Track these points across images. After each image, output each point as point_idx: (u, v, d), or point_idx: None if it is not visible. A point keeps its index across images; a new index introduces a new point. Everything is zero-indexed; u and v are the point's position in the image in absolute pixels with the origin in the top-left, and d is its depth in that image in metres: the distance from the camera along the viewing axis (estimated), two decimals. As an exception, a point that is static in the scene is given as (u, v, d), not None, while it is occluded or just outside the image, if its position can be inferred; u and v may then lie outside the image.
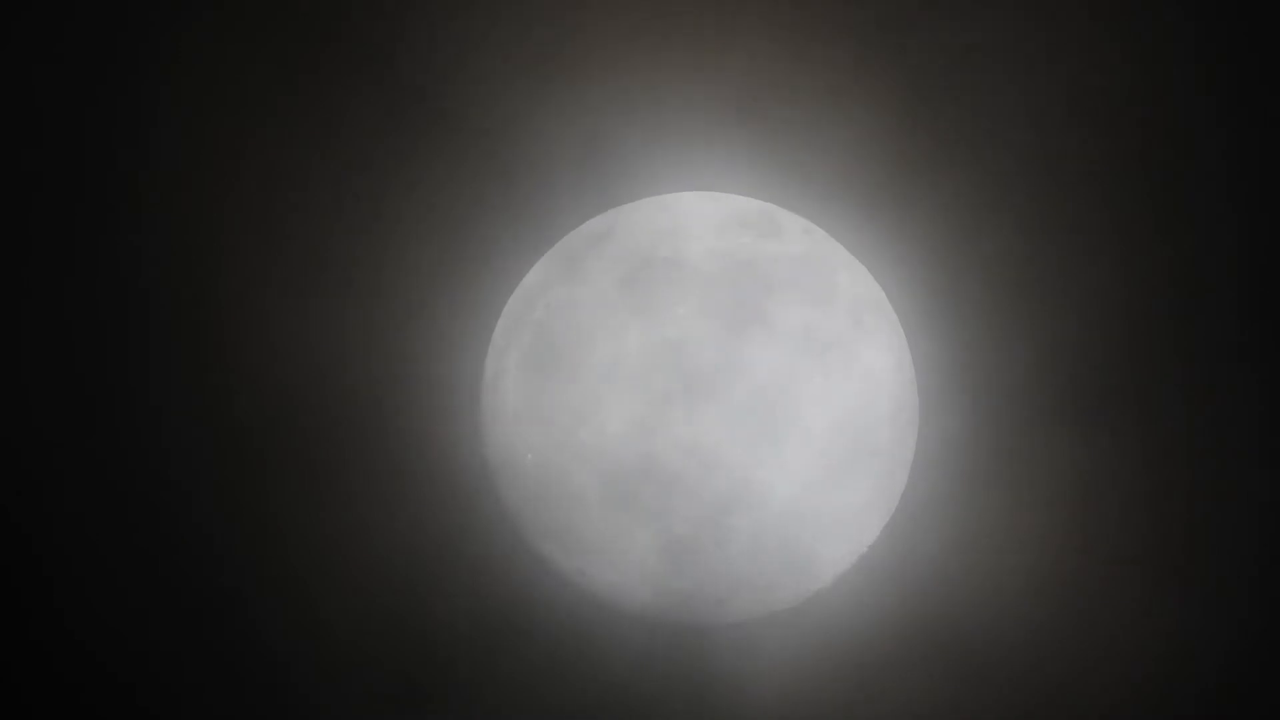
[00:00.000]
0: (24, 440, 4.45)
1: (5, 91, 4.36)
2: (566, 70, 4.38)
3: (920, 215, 4.34)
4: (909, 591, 4.43)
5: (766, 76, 4.35)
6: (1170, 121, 4.31)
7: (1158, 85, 4.30)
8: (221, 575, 4.47)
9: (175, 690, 4.46)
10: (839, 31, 4.32)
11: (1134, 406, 4.39)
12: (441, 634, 4.44)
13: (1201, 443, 4.39)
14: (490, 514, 4.30)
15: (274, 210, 4.42)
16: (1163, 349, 4.37)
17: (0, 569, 4.45)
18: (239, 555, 4.46)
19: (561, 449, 3.93)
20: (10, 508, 4.45)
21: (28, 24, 4.35)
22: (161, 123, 4.38)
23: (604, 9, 4.35)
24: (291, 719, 4.48)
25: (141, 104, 4.38)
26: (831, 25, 4.32)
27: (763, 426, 3.85)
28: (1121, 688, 4.39)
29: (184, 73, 4.37)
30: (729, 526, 3.90)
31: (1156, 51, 4.31)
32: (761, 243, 4.07)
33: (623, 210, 4.27)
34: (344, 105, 4.33)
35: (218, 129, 4.37)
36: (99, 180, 4.41)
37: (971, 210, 4.36)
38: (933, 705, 4.42)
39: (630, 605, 4.16)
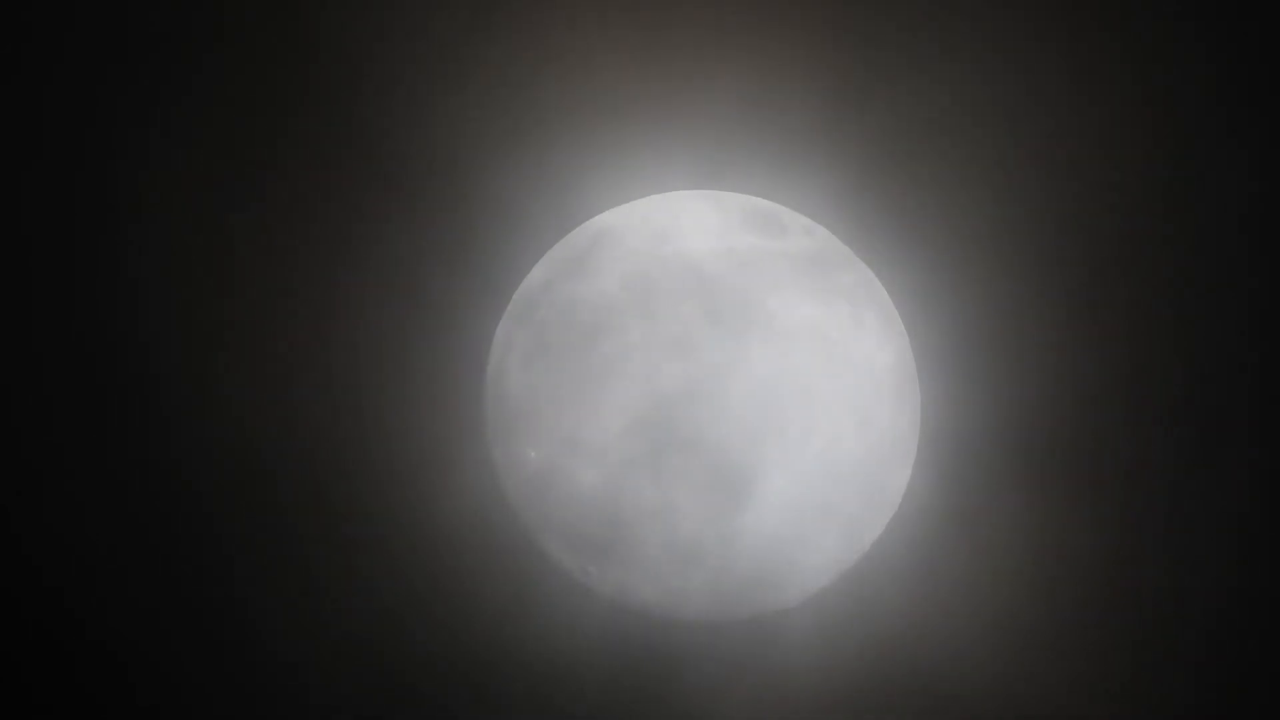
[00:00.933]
0: (35, 442, 4.46)
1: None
2: (565, 69, 4.39)
3: (920, 212, 4.36)
4: (906, 594, 4.44)
5: (771, 76, 4.36)
6: (1173, 166, 4.34)
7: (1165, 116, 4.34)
8: (222, 575, 4.46)
9: (178, 688, 4.45)
10: (845, 31, 4.33)
11: (1098, 468, 4.42)
12: (443, 633, 4.44)
13: (1163, 505, 4.42)
14: (494, 512, 4.30)
15: (289, 218, 4.44)
16: (1134, 412, 4.41)
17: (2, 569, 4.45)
18: (241, 555, 4.45)
19: (565, 447, 3.93)
20: (13, 508, 4.45)
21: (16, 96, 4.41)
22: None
23: (607, 8, 4.37)
24: (290, 718, 4.47)
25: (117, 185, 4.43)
26: (837, 26, 4.33)
27: (765, 424, 3.86)
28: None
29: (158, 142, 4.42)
30: (732, 524, 3.91)
31: (1163, 62, 4.33)
32: (764, 241, 4.08)
33: (625, 209, 4.28)
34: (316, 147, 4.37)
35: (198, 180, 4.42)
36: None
37: (978, 211, 4.37)
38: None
39: (635, 603, 4.16)
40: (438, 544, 4.40)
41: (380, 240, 4.40)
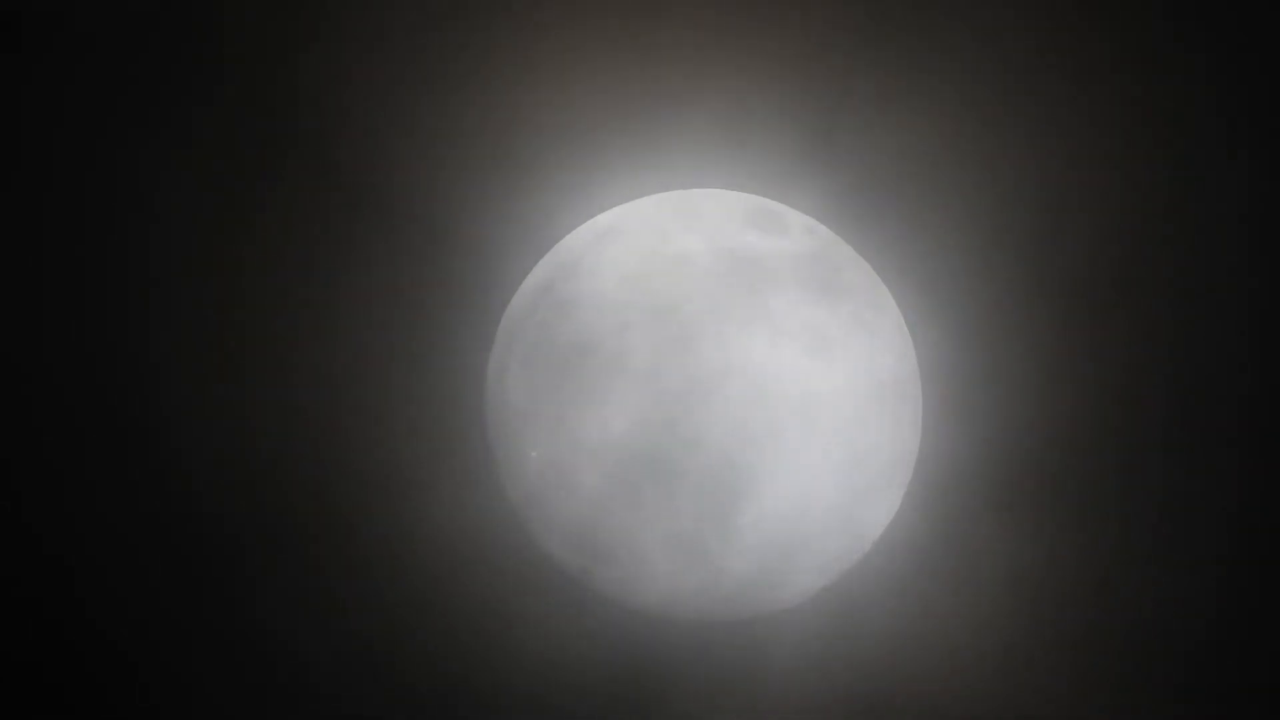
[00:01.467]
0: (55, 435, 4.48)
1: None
2: (566, 69, 4.39)
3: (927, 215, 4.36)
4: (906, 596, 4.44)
5: (772, 76, 4.36)
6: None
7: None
8: (223, 575, 4.47)
9: (178, 687, 4.46)
10: (847, 34, 4.33)
11: (1099, 471, 4.42)
12: (444, 633, 4.44)
13: (1142, 536, 4.42)
14: (495, 512, 4.30)
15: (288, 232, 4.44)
16: (1114, 442, 4.41)
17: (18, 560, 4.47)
18: (241, 555, 4.46)
19: (566, 447, 3.93)
20: (15, 507, 4.46)
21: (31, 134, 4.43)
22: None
23: (608, 8, 4.38)
24: (289, 715, 4.48)
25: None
26: (839, 26, 4.33)
27: (766, 423, 3.85)
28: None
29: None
30: (732, 525, 3.90)
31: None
32: (765, 241, 4.07)
33: (625, 209, 4.27)
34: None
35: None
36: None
37: (982, 211, 4.37)
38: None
39: (635, 603, 4.16)
40: (439, 544, 4.40)
41: (382, 240, 4.41)
